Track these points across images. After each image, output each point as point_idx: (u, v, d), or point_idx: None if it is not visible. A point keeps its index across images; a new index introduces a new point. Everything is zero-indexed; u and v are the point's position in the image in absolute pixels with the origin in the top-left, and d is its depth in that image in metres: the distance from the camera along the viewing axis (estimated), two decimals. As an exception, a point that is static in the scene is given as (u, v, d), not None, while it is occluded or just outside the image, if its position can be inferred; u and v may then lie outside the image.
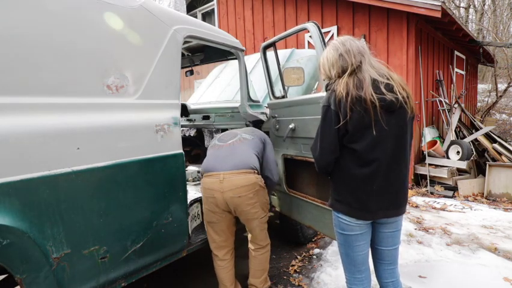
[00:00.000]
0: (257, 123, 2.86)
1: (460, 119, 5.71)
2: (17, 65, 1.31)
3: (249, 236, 2.13)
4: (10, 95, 1.28)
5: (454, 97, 6.34)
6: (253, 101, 2.91)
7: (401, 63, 4.95)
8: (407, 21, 4.84)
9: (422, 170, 5.03)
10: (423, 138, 5.36)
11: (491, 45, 7.68)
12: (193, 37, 2.15)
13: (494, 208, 4.03)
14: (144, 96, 1.78)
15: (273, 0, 6.75)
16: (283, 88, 2.61)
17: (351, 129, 1.33)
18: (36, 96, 1.36)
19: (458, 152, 4.92)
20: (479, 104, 10.00)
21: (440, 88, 5.96)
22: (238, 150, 2.02)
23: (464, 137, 5.56)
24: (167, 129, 1.87)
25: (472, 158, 4.90)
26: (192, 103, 3.75)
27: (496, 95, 8.99)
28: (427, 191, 4.79)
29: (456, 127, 5.56)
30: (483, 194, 4.55)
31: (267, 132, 2.76)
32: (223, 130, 3.36)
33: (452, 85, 6.62)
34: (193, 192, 2.51)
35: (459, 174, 4.89)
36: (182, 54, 3.22)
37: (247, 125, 2.91)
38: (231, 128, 3.10)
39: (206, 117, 3.38)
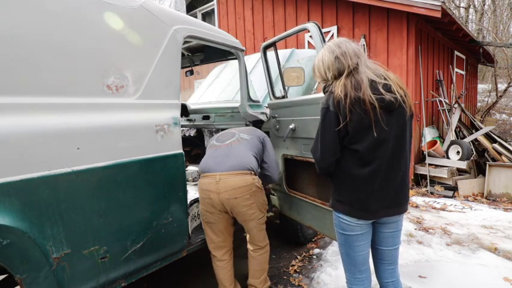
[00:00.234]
0: (257, 123, 2.86)
1: (460, 119, 5.71)
2: (17, 65, 1.31)
3: (248, 236, 2.13)
4: (10, 95, 1.28)
5: (454, 97, 6.34)
6: (253, 101, 2.91)
7: (401, 63, 4.95)
8: (407, 21, 4.83)
9: (422, 170, 5.03)
10: (423, 138, 5.36)
11: (491, 45, 7.68)
12: (193, 37, 2.15)
13: (494, 208, 4.03)
14: (144, 96, 1.78)
15: (273, 0, 6.75)
16: (284, 88, 2.61)
17: (351, 130, 1.33)
18: (36, 96, 1.36)
19: (458, 152, 4.92)
20: (479, 104, 10.01)
21: (440, 88, 5.96)
22: (235, 151, 2.01)
23: (464, 137, 5.56)
24: (167, 129, 1.87)
25: (472, 158, 4.90)
26: (192, 103, 3.75)
27: (496, 95, 8.99)
28: (427, 191, 4.79)
29: (456, 127, 5.56)
30: (483, 194, 4.55)
31: (267, 133, 2.76)
32: (223, 130, 3.37)
33: (452, 85, 6.62)
34: (193, 192, 2.52)
35: (459, 174, 4.89)
36: (182, 54, 3.22)
37: (247, 125, 2.91)
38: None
39: (206, 117, 3.38)
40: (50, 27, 1.40)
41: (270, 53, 2.70)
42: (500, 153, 4.78)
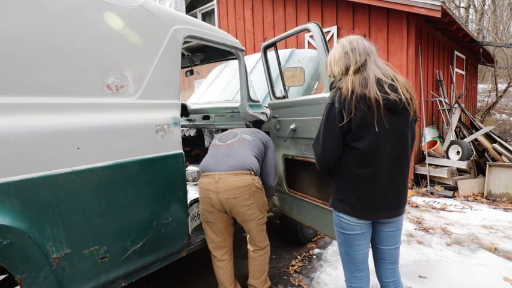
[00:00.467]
0: (257, 123, 2.85)
1: (460, 119, 5.71)
2: (17, 65, 1.31)
3: (248, 237, 2.12)
4: (10, 95, 1.28)
5: (454, 97, 6.34)
6: (253, 101, 2.91)
7: (401, 63, 4.95)
8: (407, 21, 4.84)
9: (422, 170, 5.03)
10: (423, 138, 5.37)
11: (491, 45, 7.68)
12: (193, 37, 2.15)
13: (494, 208, 4.03)
14: (144, 96, 1.78)
15: (273, 0, 6.75)
16: (284, 88, 2.61)
17: (354, 127, 1.33)
18: (36, 96, 1.36)
19: (458, 152, 4.92)
20: (479, 104, 10.01)
21: (440, 88, 5.96)
22: (236, 151, 2.01)
23: (464, 137, 5.56)
24: (167, 129, 1.87)
25: (472, 158, 4.90)
26: (192, 103, 3.75)
27: (496, 95, 8.99)
28: (427, 191, 4.79)
29: (456, 127, 5.56)
30: (483, 194, 4.55)
31: (267, 133, 2.76)
32: (223, 130, 3.37)
33: (452, 85, 6.62)
34: (193, 192, 2.51)
35: (459, 174, 4.89)
36: (182, 54, 3.22)
37: (247, 125, 2.91)
38: (231, 128, 3.10)
39: (206, 117, 3.38)
40: (50, 27, 1.40)
41: (270, 53, 2.69)
42: (500, 153, 4.78)
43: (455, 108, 5.71)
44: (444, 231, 3.28)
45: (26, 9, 1.33)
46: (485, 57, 8.11)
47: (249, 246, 2.13)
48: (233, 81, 3.72)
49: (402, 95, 1.32)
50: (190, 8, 8.86)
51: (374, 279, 1.63)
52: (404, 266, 2.56)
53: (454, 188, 4.68)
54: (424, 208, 4.10)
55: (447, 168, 4.79)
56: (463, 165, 4.74)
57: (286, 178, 2.61)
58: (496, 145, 4.88)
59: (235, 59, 2.91)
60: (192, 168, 3.15)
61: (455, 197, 4.55)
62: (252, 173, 1.95)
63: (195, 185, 2.86)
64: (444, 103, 5.77)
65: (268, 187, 2.18)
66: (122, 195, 1.65)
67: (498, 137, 5.28)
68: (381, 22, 5.11)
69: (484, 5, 14.60)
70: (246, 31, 7.41)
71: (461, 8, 14.84)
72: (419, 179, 5.15)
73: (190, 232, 2.11)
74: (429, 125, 5.71)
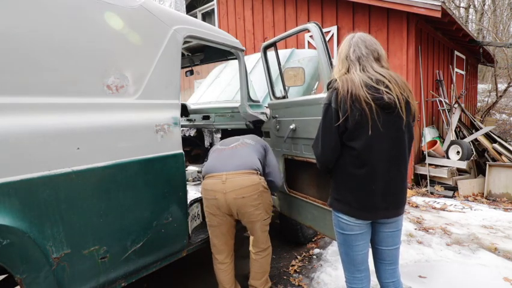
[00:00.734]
0: (257, 123, 2.86)
1: (460, 119, 5.71)
2: (17, 65, 1.31)
3: (251, 238, 2.12)
4: (10, 95, 1.28)
5: (454, 97, 6.34)
6: (253, 101, 2.91)
7: (401, 63, 4.95)
8: (407, 21, 4.83)
9: (422, 170, 5.03)
10: (423, 138, 5.37)
11: (491, 45, 7.68)
12: (193, 37, 2.15)
13: (494, 208, 4.03)
14: (144, 96, 1.78)
15: (273, 0, 6.75)
16: (284, 88, 2.61)
17: (350, 126, 1.34)
18: (36, 96, 1.36)
19: (458, 152, 4.92)
20: (479, 104, 10.01)
21: (440, 88, 5.96)
22: (240, 152, 2.01)
23: (464, 137, 5.56)
24: (167, 129, 1.87)
25: (472, 158, 4.90)
26: (192, 103, 3.75)
27: (496, 95, 8.99)
28: (427, 191, 4.79)
29: (456, 127, 5.56)
30: (483, 194, 4.55)
31: (267, 133, 2.76)
32: (223, 130, 3.37)
33: (452, 85, 6.62)
34: (193, 192, 2.51)
35: (459, 174, 4.89)
36: (182, 54, 3.22)
37: (247, 125, 2.91)
38: (231, 128, 3.11)
39: (206, 117, 3.38)
40: (50, 27, 1.40)
41: (270, 53, 2.69)
42: (500, 153, 4.78)
43: (455, 108, 5.71)
44: (445, 231, 3.28)
45: (26, 9, 1.33)
46: (485, 57, 8.11)
47: (251, 248, 2.12)
48: (233, 81, 3.72)
49: (397, 95, 1.32)
50: (190, 8, 8.86)
51: (374, 279, 1.63)
52: (404, 266, 2.56)
53: (454, 188, 4.68)
54: (424, 208, 4.10)
55: (447, 168, 4.79)
56: (463, 165, 4.74)
57: (286, 178, 2.61)
58: (496, 145, 4.88)
59: (235, 59, 2.91)
60: (191, 168, 3.15)
61: (455, 197, 4.55)
62: (259, 172, 1.95)
63: (195, 185, 2.86)
64: (444, 103, 5.77)
65: (275, 188, 2.19)
66: (122, 195, 1.65)
67: (498, 137, 5.28)
68: (381, 22, 5.11)
69: (484, 5, 14.60)
70: (246, 31, 7.41)
71: (461, 8, 14.84)
72: (419, 179, 5.15)
73: (190, 232, 2.11)
74: (429, 125, 5.71)
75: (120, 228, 1.65)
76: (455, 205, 4.14)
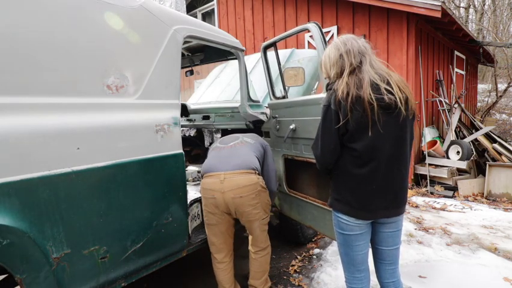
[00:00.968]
0: (257, 123, 2.86)
1: (460, 119, 5.71)
2: (17, 65, 1.31)
3: (250, 238, 2.12)
4: (10, 95, 1.28)
5: (454, 97, 6.34)
6: (253, 101, 2.91)
7: (401, 63, 4.95)
8: (407, 21, 4.83)
9: (422, 170, 5.03)
10: (423, 138, 5.36)
11: (491, 45, 7.68)
12: (193, 37, 2.15)
13: (494, 208, 4.03)
14: (144, 96, 1.78)
15: (273, 1, 6.75)
16: (284, 88, 2.61)
17: (351, 128, 1.33)
18: (36, 96, 1.36)
19: (458, 152, 4.92)
20: (479, 104, 10.01)
21: (440, 88, 5.96)
22: (239, 152, 2.02)
23: (464, 137, 5.56)
24: (167, 129, 1.87)
25: (472, 158, 4.90)
26: (192, 103, 3.75)
27: (496, 95, 8.99)
28: (427, 191, 4.79)
29: (456, 127, 5.56)
30: (483, 194, 4.55)
31: (267, 133, 2.76)
32: (223, 130, 3.37)
33: (452, 85, 6.62)
34: (193, 192, 2.51)
35: (459, 174, 4.89)
36: (182, 54, 3.22)
37: (247, 125, 2.91)
38: (231, 128, 3.10)
39: (206, 117, 3.38)
40: (50, 27, 1.40)
41: (270, 53, 2.69)
42: (500, 153, 4.78)
43: (455, 108, 5.71)
44: (445, 231, 3.28)
45: (26, 9, 1.33)
46: (485, 57, 8.11)
47: (251, 248, 2.13)
48: (233, 81, 3.72)
49: (397, 94, 1.32)
50: (190, 8, 8.86)
51: (374, 279, 1.63)
52: (404, 266, 2.56)
53: (454, 188, 4.68)
54: (424, 208, 4.10)
55: (447, 168, 4.79)
56: (463, 165, 4.74)
57: (286, 178, 2.61)
58: (496, 145, 4.88)
59: (235, 59, 2.91)
60: (192, 168, 3.15)
61: (455, 197, 4.55)
62: (257, 172, 1.96)
63: (195, 185, 2.86)
64: (444, 103, 5.77)
65: (270, 192, 2.17)
66: (122, 195, 1.65)
67: (498, 137, 5.28)
68: (381, 22, 5.11)
69: (484, 5, 14.59)
70: (246, 31, 7.41)
71: (461, 8, 14.84)
72: (419, 179, 5.15)
73: (190, 232, 2.11)
74: (429, 125, 5.71)
75: (120, 228, 1.65)
76: (455, 205, 4.14)
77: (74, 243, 1.46)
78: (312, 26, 2.11)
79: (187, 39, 2.09)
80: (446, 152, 5.05)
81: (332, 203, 1.49)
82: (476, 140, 5.27)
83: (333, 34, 5.70)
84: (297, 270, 2.63)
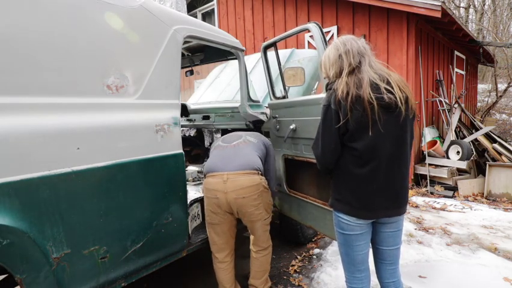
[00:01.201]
0: (257, 123, 2.85)
1: (460, 119, 5.71)
2: (17, 65, 1.31)
3: (251, 237, 2.12)
4: (10, 95, 1.28)
5: (454, 97, 6.34)
6: (253, 101, 2.91)
7: (401, 63, 4.95)
8: (407, 21, 4.83)
9: (422, 170, 5.03)
10: (423, 138, 5.36)
11: (491, 45, 7.68)
12: (193, 37, 2.15)
13: (494, 208, 4.03)
14: (144, 96, 1.78)
15: (273, 1, 6.75)
16: (284, 88, 2.61)
17: (351, 128, 1.33)
18: (36, 96, 1.36)
19: (458, 152, 4.92)
20: (479, 104, 10.00)
21: (440, 88, 5.96)
22: (242, 151, 2.01)
23: (464, 137, 5.56)
24: (167, 129, 1.87)
25: (472, 158, 4.90)
26: (192, 103, 3.75)
27: (496, 95, 8.99)
28: (427, 191, 4.79)
29: (456, 127, 5.56)
30: (483, 194, 4.55)
31: (267, 133, 2.76)
32: (223, 130, 3.37)
33: (452, 85, 6.62)
34: (193, 192, 2.51)
35: (459, 174, 4.89)
36: (182, 54, 3.22)
37: (247, 125, 2.91)
38: (231, 128, 3.11)
39: (206, 117, 3.38)
40: (50, 27, 1.40)
41: (271, 53, 2.69)
42: (500, 153, 4.78)
43: (455, 108, 5.71)
44: (445, 231, 3.28)
45: (25, 9, 1.33)
46: (485, 57, 8.11)
47: (252, 247, 2.13)
48: (233, 81, 3.72)
49: (397, 94, 1.32)
50: (190, 8, 8.86)
51: (374, 279, 1.63)
52: (404, 266, 2.56)
53: (454, 188, 4.68)
54: (424, 208, 4.09)
55: (447, 168, 4.79)
56: (463, 165, 4.74)
57: (286, 178, 2.61)
58: (496, 145, 4.88)
59: (235, 59, 2.91)
60: (192, 168, 3.15)
61: (455, 197, 4.55)
62: (260, 172, 1.96)
63: (195, 185, 2.86)
64: (444, 103, 5.77)
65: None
66: (122, 195, 1.65)
67: (498, 137, 5.28)
68: (381, 22, 5.11)
69: (484, 5, 14.59)
70: (246, 31, 7.41)
71: (461, 8, 14.84)
72: (419, 179, 5.15)
73: (190, 232, 2.11)
74: (429, 125, 5.71)
75: (120, 228, 1.65)
76: (455, 205, 4.14)
77: (74, 243, 1.46)
78: (312, 26, 2.11)
79: (187, 39, 2.09)
80: (446, 152, 5.05)
81: (333, 203, 1.49)
82: (476, 140, 5.27)
83: (333, 34, 5.70)
84: (297, 270, 2.63)
